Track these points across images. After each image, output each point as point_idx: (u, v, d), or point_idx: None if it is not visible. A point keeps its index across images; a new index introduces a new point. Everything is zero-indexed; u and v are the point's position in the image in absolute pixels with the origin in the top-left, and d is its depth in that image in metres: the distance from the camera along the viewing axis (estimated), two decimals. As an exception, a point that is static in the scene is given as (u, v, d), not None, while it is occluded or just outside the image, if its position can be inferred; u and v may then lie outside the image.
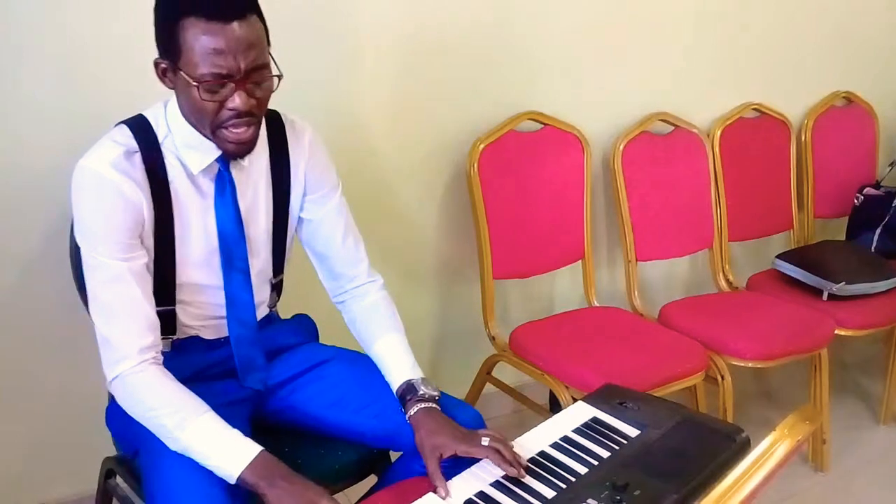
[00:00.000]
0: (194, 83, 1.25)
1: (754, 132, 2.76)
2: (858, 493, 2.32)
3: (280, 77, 1.32)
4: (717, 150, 2.65)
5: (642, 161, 2.49)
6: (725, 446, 1.36)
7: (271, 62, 1.32)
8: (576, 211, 2.39)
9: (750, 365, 2.20)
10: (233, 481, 1.26)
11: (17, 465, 1.92)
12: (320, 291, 1.66)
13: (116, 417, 1.52)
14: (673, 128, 2.59)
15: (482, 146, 2.21)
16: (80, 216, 1.33)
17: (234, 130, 1.31)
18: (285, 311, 1.71)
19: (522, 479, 1.28)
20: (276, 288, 1.62)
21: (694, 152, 2.61)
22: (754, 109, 2.78)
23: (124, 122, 1.38)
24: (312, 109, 1.77)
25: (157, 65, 1.31)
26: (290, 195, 1.52)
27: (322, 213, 1.55)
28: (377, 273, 1.62)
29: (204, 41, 1.22)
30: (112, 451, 1.64)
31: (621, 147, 2.46)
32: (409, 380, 1.46)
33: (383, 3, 2.06)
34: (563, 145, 2.36)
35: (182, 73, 1.25)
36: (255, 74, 1.27)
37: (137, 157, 1.33)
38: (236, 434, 1.29)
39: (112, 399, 1.59)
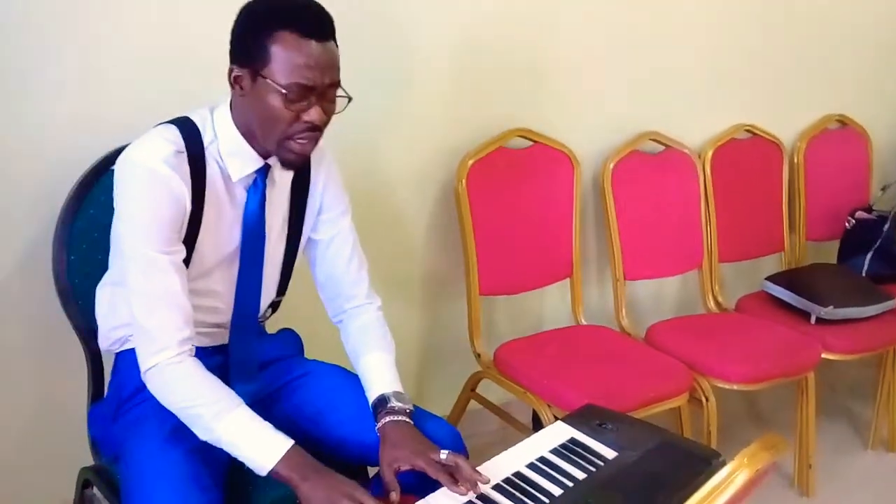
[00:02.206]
0: (282, 90, 1.31)
1: (746, 154, 2.77)
2: (844, 519, 2.32)
3: (350, 99, 1.40)
4: (708, 170, 2.66)
5: (632, 180, 2.50)
6: (701, 470, 1.35)
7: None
8: (564, 228, 2.39)
9: (735, 387, 2.19)
10: (264, 473, 1.30)
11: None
12: (306, 307, 1.67)
13: (100, 419, 1.56)
14: (664, 147, 2.60)
15: (471, 162, 2.21)
16: (126, 208, 1.37)
17: (301, 142, 1.37)
18: (271, 325, 1.71)
19: (482, 493, 1.29)
20: (274, 307, 1.65)
21: (685, 172, 2.61)
22: (746, 131, 2.78)
23: (171, 122, 1.41)
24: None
25: (231, 71, 1.38)
26: (305, 214, 1.57)
27: (333, 233, 1.60)
28: (376, 295, 1.66)
29: (296, 54, 1.31)
30: (89, 460, 1.63)
31: (611, 166, 2.47)
32: (382, 393, 1.47)
33: (376, 18, 2.07)
34: (552, 163, 2.37)
35: (267, 80, 1.32)
36: (330, 92, 1.37)
37: (184, 157, 1.38)
38: (268, 427, 1.33)
39: (94, 403, 1.62)
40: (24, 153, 1.72)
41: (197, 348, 1.49)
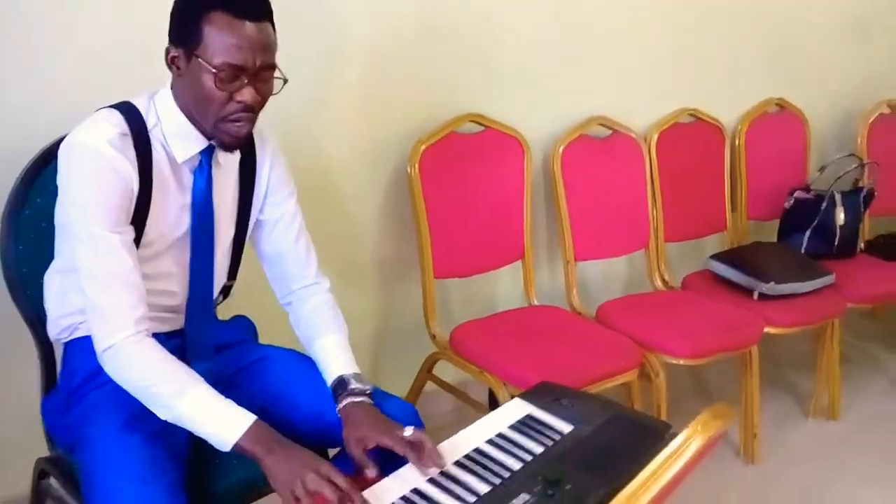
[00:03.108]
0: (212, 70, 1.32)
1: (690, 137, 2.83)
2: (788, 484, 2.40)
3: (285, 81, 1.42)
4: (653, 153, 2.71)
5: (581, 164, 2.54)
6: (655, 442, 1.39)
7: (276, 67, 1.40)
8: (516, 212, 2.43)
9: (682, 362, 2.26)
10: (227, 448, 1.30)
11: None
12: (258, 294, 1.67)
13: (53, 411, 1.54)
14: (611, 132, 2.65)
15: (423, 147, 2.23)
16: (72, 190, 1.36)
17: (236, 125, 1.38)
18: (225, 313, 1.72)
19: (444, 469, 1.31)
20: (224, 292, 1.66)
21: (631, 156, 2.67)
22: (690, 115, 2.85)
23: (112, 106, 1.41)
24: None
25: (167, 52, 1.39)
26: (252, 197, 1.57)
27: (278, 215, 1.60)
28: (324, 277, 1.66)
29: (227, 34, 1.32)
30: (44, 451, 1.61)
31: (560, 150, 2.51)
32: (341, 375, 1.49)
33: (329, 3, 2.07)
34: (503, 147, 2.40)
35: (200, 60, 1.33)
36: (264, 73, 1.37)
37: (129, 140, 1.38)
38: (230, 403, 1.33)
39: (47, 393, 1.61)
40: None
41: (154, 334, 1.50)
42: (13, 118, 1.72)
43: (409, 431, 1.36)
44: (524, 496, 1.24)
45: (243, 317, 1.74)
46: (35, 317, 1.58)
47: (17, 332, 1.61)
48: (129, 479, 1.28)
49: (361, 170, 2.27)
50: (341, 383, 1.48)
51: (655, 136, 2.73)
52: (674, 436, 1.40)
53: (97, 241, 1.34)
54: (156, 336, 1.50)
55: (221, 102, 1.36)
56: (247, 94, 1.36)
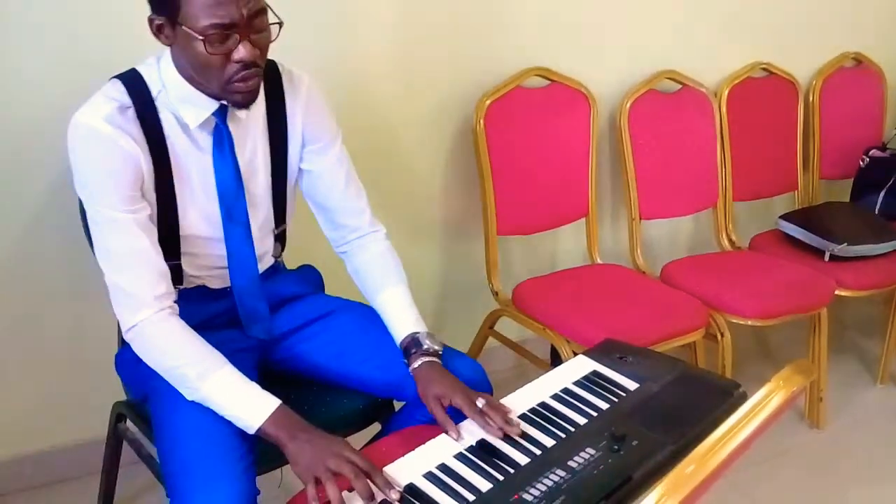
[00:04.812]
0: (199, 37, 1.24)
1: (762, 92, 2.75)
2: (853, 450, 2.36)
3: (281, 24, 1.31)
4: (724, 109, 2.64)
5: (649, 119, 2.49)
6: (722, 400, 1.38)
7: (269, 9, 1.31)
8: (581, 168, 2.39)
9: (749, 323, 2.22)
10: (252, 432, 1.29)
11: (28, 410, 1.96)
12: (325, 243, 1.68)
13: (126, 363, 1.55)
14: (680, 86, 2.58)
15: (489, 102, 2.21)
16: (79, 171, 1.33)
17: (243, 84, 1.30)
18: (290, 261, 1.72)
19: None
20: (280, 238, 1.62)
21: (701, 111, 2.60)
22: (763, 69, 2.76)
23: (118, 76, 1.37)
24: (319, 61, 1.79)
25: (151, 21, 1.29)
26: (287, 146, 1.51)
27: (322, 164, 1.54)
28: (380, 223, 1.62)
29: None
30: (122, 395, 1.67)
31: (628, 105, 2.46)
32: (414, 333, 1.47)
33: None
34: (569, 102, 2.36)
35: (183, 27, 1.24)
36: (256, 22, 1.27)
37: (131, 112, 1.33)
38: (255, 387, 1.31)
39: (122, 345, 1.63)
40: (43, 92, 1.74)
41: (210, 289, 1.52)
42: (85, 80, 1.74)
43: (481, 402, 1.34)
44: (590, 450, 1.24)
45: (310, 266, 1.74)
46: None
47: (100, 282, 1.66)
48: (199, 425, 1.30)
49: (427, 126, 2.26)
50: (414, 342, 1.46)
51: (726, 92, 2.65)
52: (742, 395, 1.39)
53: (108, 222, 1.31)
54: (209, 291, 1.52)
55: (219, 66, 1.27)
56: (243, 52, 1.26)
